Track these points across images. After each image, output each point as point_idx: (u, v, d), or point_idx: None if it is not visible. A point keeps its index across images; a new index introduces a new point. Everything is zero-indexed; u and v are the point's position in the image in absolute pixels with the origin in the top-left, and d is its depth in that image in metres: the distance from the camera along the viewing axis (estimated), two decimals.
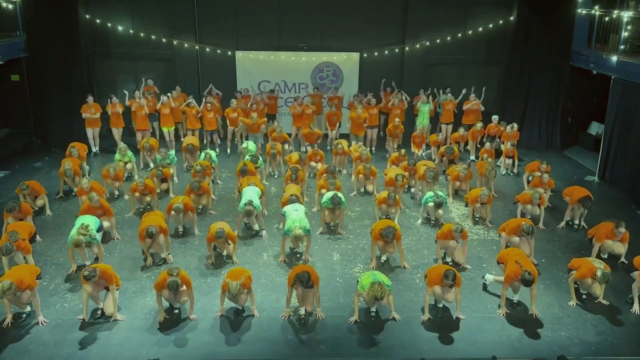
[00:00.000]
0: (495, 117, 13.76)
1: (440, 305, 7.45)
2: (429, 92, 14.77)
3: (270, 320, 7.22)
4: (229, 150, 13.95)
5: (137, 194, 10.09)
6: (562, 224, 9.98)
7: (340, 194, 9.54)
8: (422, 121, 14.11)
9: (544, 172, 10.81)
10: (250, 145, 12.53)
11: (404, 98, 14.16)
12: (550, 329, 7.11)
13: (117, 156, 11.88)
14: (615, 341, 6.91)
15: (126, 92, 13.77)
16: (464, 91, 14.30)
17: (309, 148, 12.74)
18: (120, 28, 15.12)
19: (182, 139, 13.83)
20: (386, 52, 15.56)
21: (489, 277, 8.01)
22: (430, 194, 9.93)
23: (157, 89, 14.64)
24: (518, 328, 7.12)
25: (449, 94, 14.40)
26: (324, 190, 10.08)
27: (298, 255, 8.87)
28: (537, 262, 8.63)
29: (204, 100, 13.86)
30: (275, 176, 12.27)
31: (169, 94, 13.84)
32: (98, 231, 8.48)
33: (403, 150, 12.11)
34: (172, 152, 12.31)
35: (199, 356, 6.55)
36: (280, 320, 7.21)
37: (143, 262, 8.61)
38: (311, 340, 6.89)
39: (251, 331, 7.01)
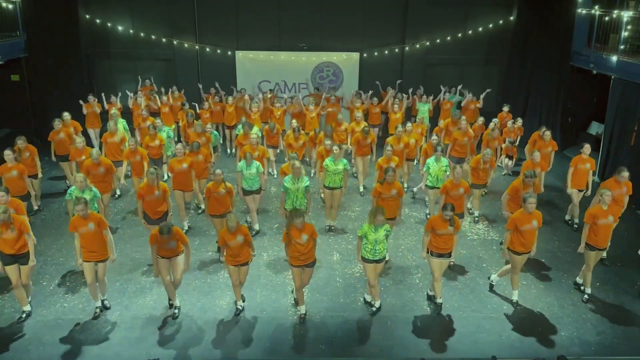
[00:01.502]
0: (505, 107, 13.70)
1: (439, 302, 7.47)
2: (422, 92, 14.65)
3: (270, 320, 7.22)
4: (228, 150, 13.95)
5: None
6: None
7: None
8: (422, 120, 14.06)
9: (545, 132, 10.72)
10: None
11: (403, 99, 14.11)
12: (550, 329, 7.11)
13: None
14: (615, 341, 6.91)
15: (129, 93, 13.75)
16: (468, 96, 14.28)
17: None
18: (120, 28, 15.14)
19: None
20: (386, 52, 15.57)
21: (494, 277, 7.99)
22: (431, 158, 9.82)
23: (155, 88, 14.63)
24: (518, 328, 7.12)
25: (446, 94, 14.37)
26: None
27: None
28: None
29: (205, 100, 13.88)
30: (275, 176, 12.26)
31: (169, 93, 13.86)
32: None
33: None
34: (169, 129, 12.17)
35: (199, 356, 6.55)
36: (280, 321, 7.22)
37: (143, 263, 8.61)
38: (311, 340, 6.89)
39: (251, 331, 7.01)
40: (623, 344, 6.86)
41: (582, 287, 7.88)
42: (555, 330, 7.09)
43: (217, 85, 14.43)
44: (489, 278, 8.10)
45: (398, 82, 14.86)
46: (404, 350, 6.70)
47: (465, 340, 6.89)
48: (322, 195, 9.97)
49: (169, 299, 7.41)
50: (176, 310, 7.31)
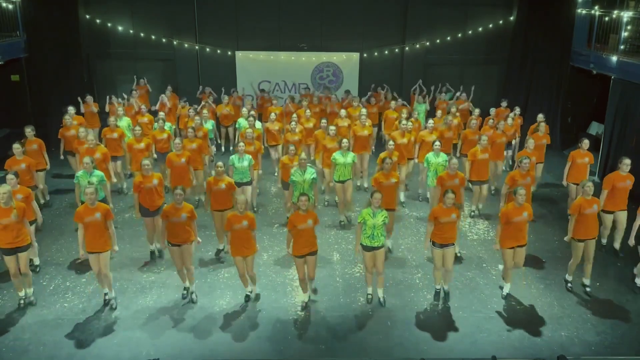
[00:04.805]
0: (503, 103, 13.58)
1: (438, 289, 7.64)
2: (424, 92, 14.70)
3: (271, 320, 7.22)
4: (232, 149, 13.91)
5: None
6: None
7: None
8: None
9: (540, 123, 10.89)
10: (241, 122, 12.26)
11: (399, 102, 14.08)
12: (550, 329, 7.11)
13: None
14: (615, 341, 6.91)
15: (125, 96, 13.74)
16: (457, 94, 14.25)
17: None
18: (120, 28, 15.13)
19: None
20: (386, 52, 15.57)
21: (505, 289, 7.80)
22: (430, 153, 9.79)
23: (150, 88, 14.62)
24: (518, 328, 7.12)
25: (443, 94, 14.35)
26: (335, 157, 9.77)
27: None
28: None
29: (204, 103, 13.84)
30: (275, 174, 12.23)
31: (166, 93, 13.86)
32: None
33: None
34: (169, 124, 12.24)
35: (199, 356, 6.56)
36: (280, 320, 7.22)
37: (143, 263, 8.62)
38: (311, 340, 6.89)
39: (251, 331, 7.02)
40: (623, 344, 6.86)
41: (568, 284, 7.94)
42: (555, 330, 7.09)
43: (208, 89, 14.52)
44: (501, 291, 7.87)
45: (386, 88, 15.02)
46: (404, 351, 6.70)
47: (465, 340, 6.89)
48: (326, 188, 10.35)
49: (184, 288, 7.67)
50: (194, 296, 7.55)
